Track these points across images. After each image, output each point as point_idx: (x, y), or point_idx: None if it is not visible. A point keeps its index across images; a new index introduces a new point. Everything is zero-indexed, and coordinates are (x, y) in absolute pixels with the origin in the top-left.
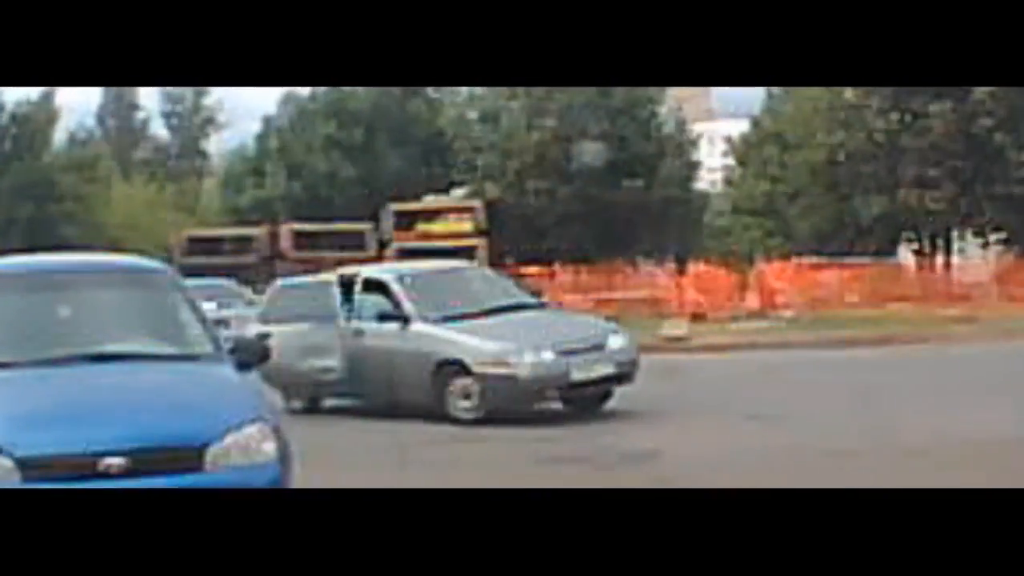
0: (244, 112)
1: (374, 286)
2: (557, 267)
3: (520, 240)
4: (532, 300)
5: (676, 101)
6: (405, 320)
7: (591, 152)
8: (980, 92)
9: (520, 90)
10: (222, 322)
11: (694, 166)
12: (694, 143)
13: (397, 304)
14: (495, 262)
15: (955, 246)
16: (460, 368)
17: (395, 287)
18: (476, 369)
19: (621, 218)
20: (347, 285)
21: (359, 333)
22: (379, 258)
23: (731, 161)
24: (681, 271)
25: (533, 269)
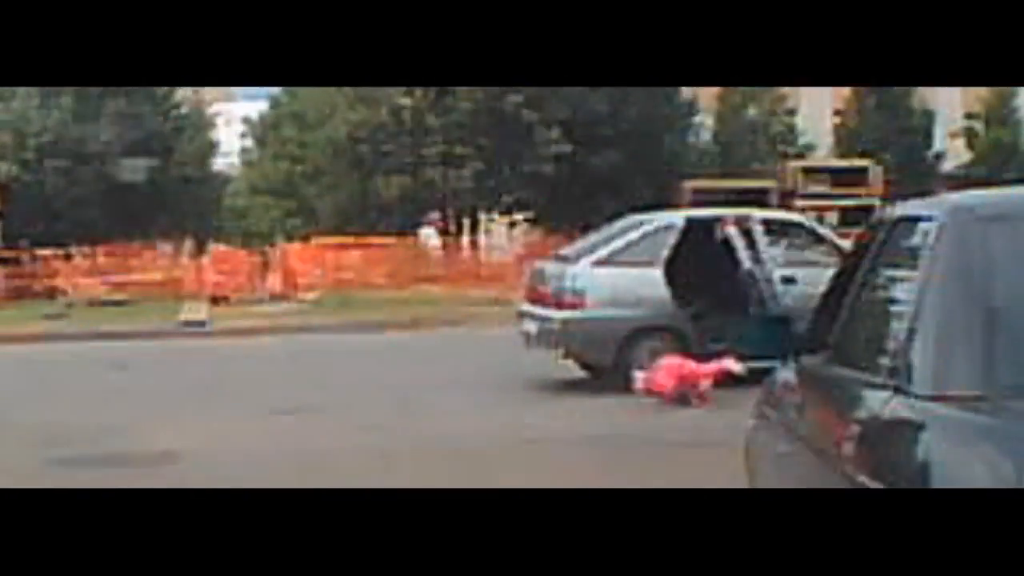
0: None
1: (775, 229)
2: (73, 249)
3: (36, 222)
4: None
5: None
6: None
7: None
8: None
9: None
10: None
11: (212, 146)
12: (212, 123)
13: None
14: (9, 245)
15: (482, 226)
16: None
17: (820, 229)
18: None
19: (137, 198)
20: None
21: (790, 280)
22: None
23: (250, 142)
24: (200, 252)
25: (47, 252)
